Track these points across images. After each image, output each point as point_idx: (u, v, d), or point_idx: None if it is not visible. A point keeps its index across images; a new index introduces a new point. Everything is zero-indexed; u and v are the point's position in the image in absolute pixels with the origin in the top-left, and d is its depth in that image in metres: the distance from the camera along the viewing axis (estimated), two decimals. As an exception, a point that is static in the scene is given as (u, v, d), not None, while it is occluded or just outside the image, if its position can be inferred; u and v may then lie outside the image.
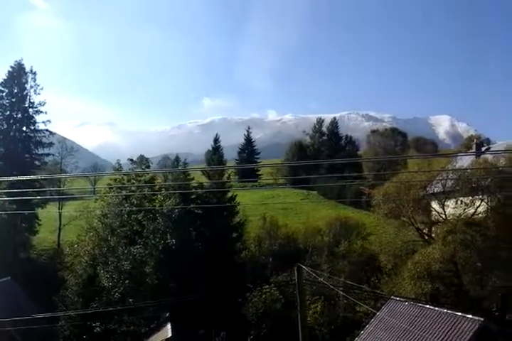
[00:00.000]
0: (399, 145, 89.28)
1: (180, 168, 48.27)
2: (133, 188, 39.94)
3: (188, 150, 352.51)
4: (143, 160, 43.51)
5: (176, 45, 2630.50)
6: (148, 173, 41.34)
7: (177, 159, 57.92)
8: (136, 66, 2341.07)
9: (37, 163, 54.77)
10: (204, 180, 45.71)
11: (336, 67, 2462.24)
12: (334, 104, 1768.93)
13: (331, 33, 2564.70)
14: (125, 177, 41.70)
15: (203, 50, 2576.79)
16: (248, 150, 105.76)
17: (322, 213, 56.91)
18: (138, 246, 35.56)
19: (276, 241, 45.61)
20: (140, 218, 37.47)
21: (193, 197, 42.84)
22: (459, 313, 20.28)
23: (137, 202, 38.57)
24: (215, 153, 53.57)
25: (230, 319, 34.92)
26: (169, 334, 26.34)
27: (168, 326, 27.69)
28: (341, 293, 31.49)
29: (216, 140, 68.95)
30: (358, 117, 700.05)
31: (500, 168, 29.90)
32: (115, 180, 41.95)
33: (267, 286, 36.83)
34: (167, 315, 29.66)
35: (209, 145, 75.83)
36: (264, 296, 36.43)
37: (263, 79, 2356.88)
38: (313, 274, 22.29)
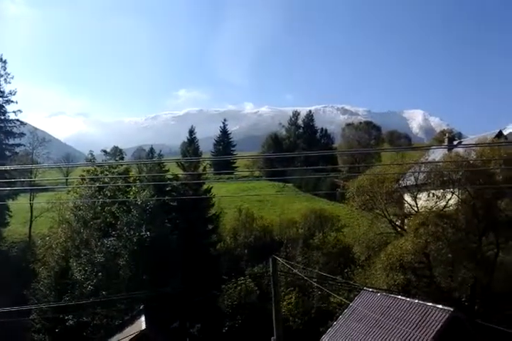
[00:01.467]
0: (373, 138, 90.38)
1: (155, 159, 47.77)
2: (106, 180, 39.34)
3: (163, 142, 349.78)
4: (117, 152, 42.93)
5: (152, 37, 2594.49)
6: (122, 165, 40.78)
7: (152, 151, 57.32)
8: (111, 56, 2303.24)
9: (7, 153, 53.58)
10: (179, 171, 45.37)
11: (313, 61, 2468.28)
12: (310, 97, 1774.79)
13: (308, 27, 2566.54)
14: (98, 169, 41.02)
15: (179, 43, 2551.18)
16: (224, 142, 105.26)
17: (297, 205, 57.30)
18: (111, 239, 35.11)
19: (251, 233, 45.82)
20: (114, 210, 36.91)
21: (168, 189, 42.48)
22: (430, 304, 20.69)
23: (111, 193, 38.03)
24: (191, 145, 53.08)
25: (204, 311, 34.96)
26: (143, 327, 26.09)
27: (142, 318, 27.44)
28: (315, 284, 31.85)
29: (191, 131, 68.26)
30: (334, 110, 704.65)
31: (471, 162, 30.49)
32: (88, 171, 41.27)
33: (242, 278, 37.00)
34: (141, 307, 29.45)
35: (184, 137, 75.05)
36: (239, 288, 36.58)
37: (240, 72, 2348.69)
38: (288, 266, 22.45)
